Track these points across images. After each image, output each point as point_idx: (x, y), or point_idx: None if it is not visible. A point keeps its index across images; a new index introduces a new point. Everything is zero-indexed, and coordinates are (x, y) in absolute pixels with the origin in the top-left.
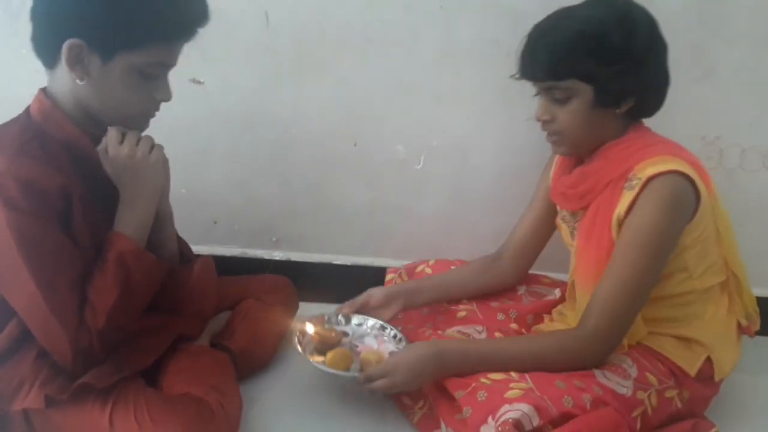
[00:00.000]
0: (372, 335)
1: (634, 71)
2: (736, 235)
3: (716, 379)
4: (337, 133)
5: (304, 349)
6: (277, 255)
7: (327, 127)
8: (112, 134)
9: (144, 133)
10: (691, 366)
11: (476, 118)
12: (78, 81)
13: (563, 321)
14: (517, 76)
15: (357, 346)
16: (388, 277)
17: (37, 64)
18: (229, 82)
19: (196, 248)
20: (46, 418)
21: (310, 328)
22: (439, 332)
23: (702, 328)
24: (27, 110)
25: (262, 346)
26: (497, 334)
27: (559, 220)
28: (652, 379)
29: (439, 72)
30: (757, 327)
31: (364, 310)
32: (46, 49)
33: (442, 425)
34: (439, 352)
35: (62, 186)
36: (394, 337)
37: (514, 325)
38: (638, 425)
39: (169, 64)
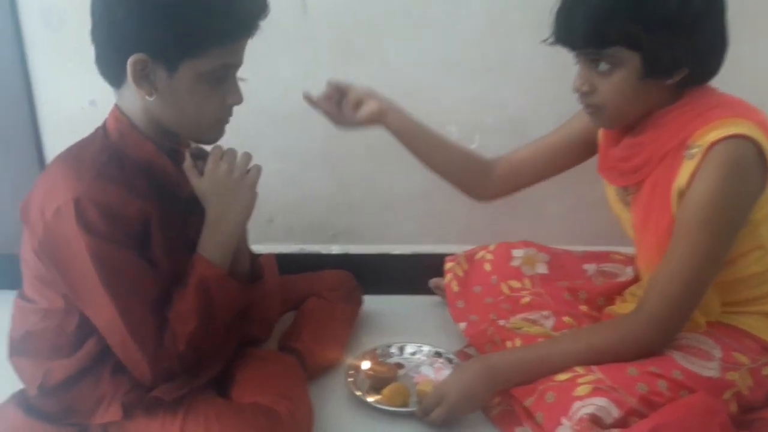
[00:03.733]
0: (428, 363)
1: (689, 36)
2: None
3: None
4: None
5: (359, 388)
6: (335, 249)
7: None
8: (215, 151)
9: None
10: None
11: (531, 90)
12: (147, 97)
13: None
14: (551, 41)
15: (414, 377)
16: (447, 265)
17: (86, 78)
18: (271, 76)
19: (255, 247)
20: (122, 431)
21: (364, 365)
22: (501, 322)
23: None
24: (103, 127)
25: (329, 346)
26: (565, 319)
27: (611, 194)
28: (742, 358)
29: (487, 44)
30: None
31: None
32: (111, 68)
33: (525, 425)
34: (489, 369)
35: (141, 210)
36: (450, 362)
37: (583, 307)
38: (732, 407)
39: (235, 63)
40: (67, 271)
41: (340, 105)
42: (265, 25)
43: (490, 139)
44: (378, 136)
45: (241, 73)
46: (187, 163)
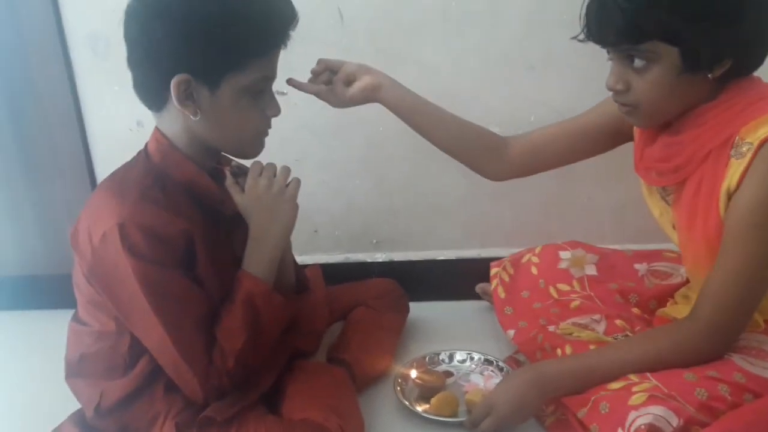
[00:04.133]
0: (477, 371)
1: (731, 27)
2: None
3: None
4: None
5: (407, 397)
6: (380, 257)
7: None
8: (254, 167)
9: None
10: None
11: (575, 86)
12: (192, 117)
13: (688, 305)
14: (581, 37)
15: (463, 386)
16: (493, 271)
17: (132, 100)
18: None
19: (300, 258)
20: None
21: (413, 374)
22: (551, 328)
23: None
24: (145, 150)
25: (378, 355)
26: (618, 322)
27: (646, 192)
28: None
29: (528, 42)
30: None
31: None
32: (152, 92)
33: None
34: (539, 377)
35: (184, 230)
36: (501, 369)
37: (635, 310)
38: None
39: (272, 75)
40: (116, 294)
41: (330, 83)
42: (303, 36)
43: None
44: (418, 140)
45: (281, 87)
46: (229, 180)
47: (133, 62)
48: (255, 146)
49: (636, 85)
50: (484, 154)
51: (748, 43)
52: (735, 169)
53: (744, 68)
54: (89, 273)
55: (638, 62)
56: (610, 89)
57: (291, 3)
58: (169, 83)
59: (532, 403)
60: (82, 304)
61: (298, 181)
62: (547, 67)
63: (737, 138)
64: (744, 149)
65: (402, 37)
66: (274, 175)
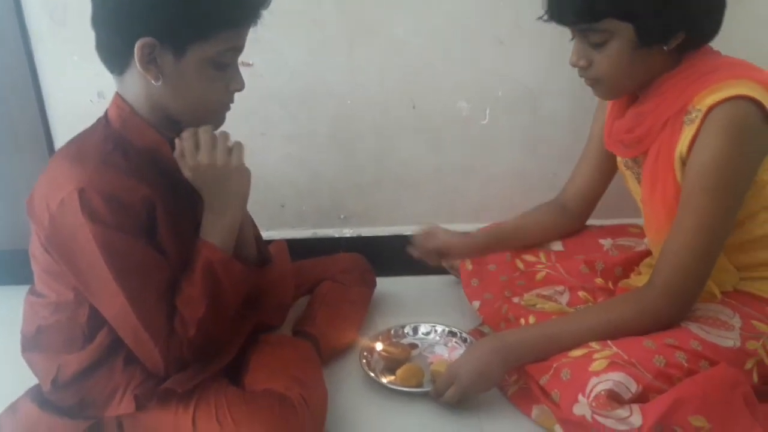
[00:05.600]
0: (442, 343)
1: (680, 1)
2: None
3: None
4: (395, 98)
5: (372, 369)
6: (348, 232)
7: (383, 93)
8: (186, 142)
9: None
10: None
11: (542, 62)
12: (153, 82)
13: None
14: (545, 18)
15: (428, 357)
16: None
17: (93, 70)
18: (278, 60)
19: (267, 233)
20: (135, 422)
21: (378, 346)
22: (515, 299)
23: None
24: (105, 117)
25: (343, 329)
26: (581, 294)
27: (622, 167)
28: (762, 326)
29: (497, 16)
30: None
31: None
32: (115, 54)
33: (542, 404)
34: (502, 347)
35: (146, 197)
36: (465, 341)
37: (599, 280)
38: (754, 377)
39: (239, 48)
40: (75, 262)
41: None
42: (273, 8)
43: (502, 113)
44: (386, 114)
45: (248, 56)
46: (177, 151)
47: (98, 22)
48: (215, 119)
49: (597, 61)
50: (558, 227)
51: (698, 15)
52: (686, 135)
53: (698, 39)
54: (47, 241)
55: (596, 39)
56: (573, 65)
57: None
58: (134, 45)
59: (495, 372)
60: (38, 275)
61: (240, 146)
62: (515, 42)
63: (690, 106)
64: (693, 116)
65: (373, 10)
66: (214, 148)
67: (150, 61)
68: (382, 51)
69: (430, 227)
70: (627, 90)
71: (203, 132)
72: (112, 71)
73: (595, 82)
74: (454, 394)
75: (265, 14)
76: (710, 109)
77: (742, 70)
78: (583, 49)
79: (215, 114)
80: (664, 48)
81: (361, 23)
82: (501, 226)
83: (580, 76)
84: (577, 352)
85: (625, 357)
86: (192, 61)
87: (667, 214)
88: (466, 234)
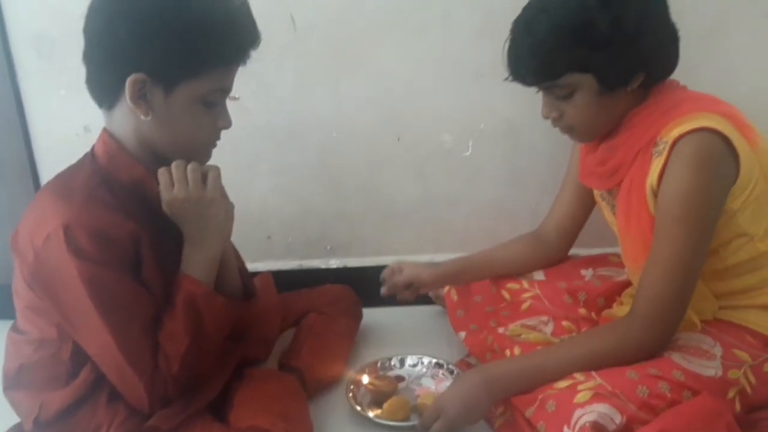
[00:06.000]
0: (429, 375)
1: (634, 44)
2: None
3: None
4: (380, 130)
5: (359, 403)
6: (334, 263)
7: (369, 125)
8: (163, 178)
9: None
10: None
11: (523, 93)
12: (143, 117)
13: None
14: (510, 79)
15: (415, 390)
16: None
17: (79, 104)
18: (264, 93)
19: (253, 266)
20: None
21: (364, 379)
22: (500, 330)
23: None
24: (92, 152)
25: (329, 361)
26: (564, 323)
27: (598, 198)
28: (743, 355)
29: (479, 50)
30: None
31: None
32: (106, 88)
33: None
34: (487, 379)
35: (131, 232)
36: (451, 372)
37: (582, 310)
38: (737, 407)
39: (228, 88)
40: (60, 298)
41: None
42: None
43: (484, 146)
44: (371, 146)
45: (234, 90)
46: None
47: (91, 57)
48: (201, 155)
49: (567, 112)
50: (537, 261)
51: (653, 54)
52: (655, 167)
53: (659, 74)
54: (30, 277)
55: (561, 92)
56: (545, 118)
57: (255, 23)
58: (125, 81)
59: (482, 405)
60: (21, 312)
61: (216, 172)
62: (496, 75)
63: (658, 138)
64: (661, 147)
65: (356, 43)
66: (188, 183)
67: (141, 97)
68: (367, 84)
69: (394, 263)
70: (602, 131)
71: (175, 167)
72: (101, 105)
73: (569, 130)
74: (441, 427)
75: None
76: (676, 140)
77: (705, 103)
78: (552, 103)
79: (202, 150)
80: (627, 89)
81: (346, 57)
82: (472, 256)
83: (554, 125)
84: (561, 384)
85: (609, 388)
86: (181, 98)
87: (643, 243)
88: (433, 264)
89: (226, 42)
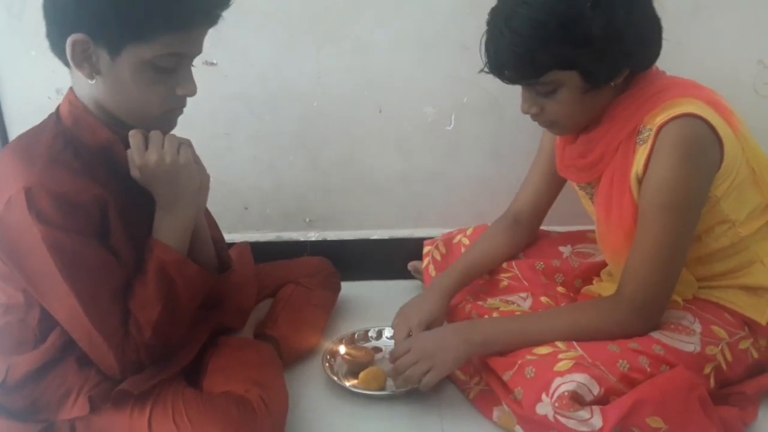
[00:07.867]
0: None
1: (620, 42)
2: None
3: None
4: (361, 102)
5: (335, 373)
6: (313, 236)
7: (350, 96)
8: (134, 141)
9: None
10: (761, 314)
11: None
12: (88, 80)
13: (613, 282)
14: (485, 70)
15: None
16: (425, 249)
17: (50, 65)
18: (243, 60)
19: (230, 236)
20: (89, 425)
21: (341, 350)
22: (480, 303)
23: (764, 271)
24: (57, 113)
25: (306, 332)
26: (543, 299)
27: (576, 187)
28: (720, 332)
29: (463, 21)
30: None
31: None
32: (56, 47)
33: (503, 404)
34: (466, 328)
35: (97, 197)
36: None
37: (561, 288)
38: (711, 382)
39: (188, 53)
40: (24, 264)
41: None
42: (239, 8)
43: (467, 119)
44: (352, 118)
45: (212, 56)
46: (129, 151)
47: (44, 13)
48: (161, 123)
49: (548, 107)
50: (515, 247)
51: (638, 49)
52: (641, 154)
53: (643, 67)
54: None
55: (544, 89)
56: (524, 113)
57: None
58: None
59: (457, 348)
60: None
61: (188, 144)
62: (480, 48)
63: (641, 126)
64: (645, 135)
65: (340, 12)
66: (163, 147)
67: (85, 59)
68: (348, 54)
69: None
70: (583, 125)
71: (153, 134)
72: (66, 65)
73: (550, 125)
74: (410, 357)
75: (231, 13)
76: (660, 127)
77: (688, 89)
78: (532, 98)
79: (159, 118)
80: (611, 84)
81: (328, 26)
82: (466, 270)
83: (534, 120)
84: (542, 350)
85: (590, 360)
86: (128, 63)
87: (624, 235)
88: (434, 301)
89: (178, 5)
